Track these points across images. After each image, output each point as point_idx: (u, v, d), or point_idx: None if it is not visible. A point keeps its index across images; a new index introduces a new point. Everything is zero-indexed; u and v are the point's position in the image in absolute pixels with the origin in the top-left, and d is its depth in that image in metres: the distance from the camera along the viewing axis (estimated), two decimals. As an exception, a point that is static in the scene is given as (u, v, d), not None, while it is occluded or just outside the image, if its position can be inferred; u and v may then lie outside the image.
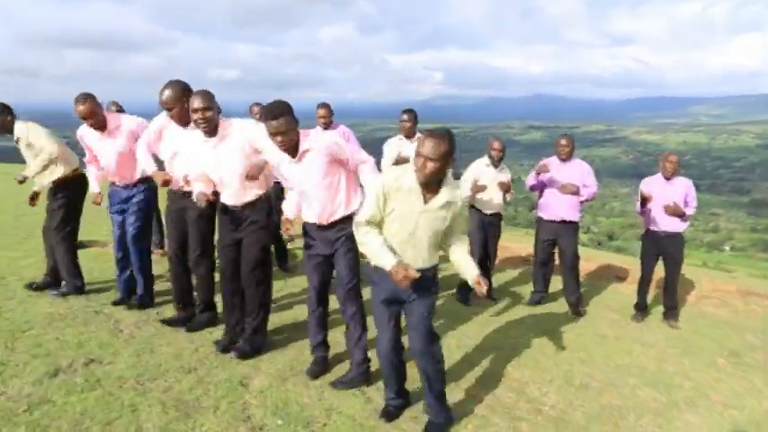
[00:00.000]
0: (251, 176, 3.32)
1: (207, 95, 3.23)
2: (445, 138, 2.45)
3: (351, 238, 3.12)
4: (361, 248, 2.74)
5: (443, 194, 2.60)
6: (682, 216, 4.89)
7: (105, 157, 4.15)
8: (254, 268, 3.47)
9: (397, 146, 5.10)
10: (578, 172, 5.07)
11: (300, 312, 4.41)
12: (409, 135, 5.05)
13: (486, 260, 5.40)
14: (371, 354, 3.25)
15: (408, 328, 2.80)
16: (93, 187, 4.46)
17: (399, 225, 2.63)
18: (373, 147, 5.71)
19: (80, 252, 4.61)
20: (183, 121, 3.55)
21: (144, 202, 4.20)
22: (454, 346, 4.10)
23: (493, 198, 5.19)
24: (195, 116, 3.21)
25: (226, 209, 3.49)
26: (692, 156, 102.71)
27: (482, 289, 2.65)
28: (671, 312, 5.21)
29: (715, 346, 4.75)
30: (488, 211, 5.26)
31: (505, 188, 5.20)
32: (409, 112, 5.08)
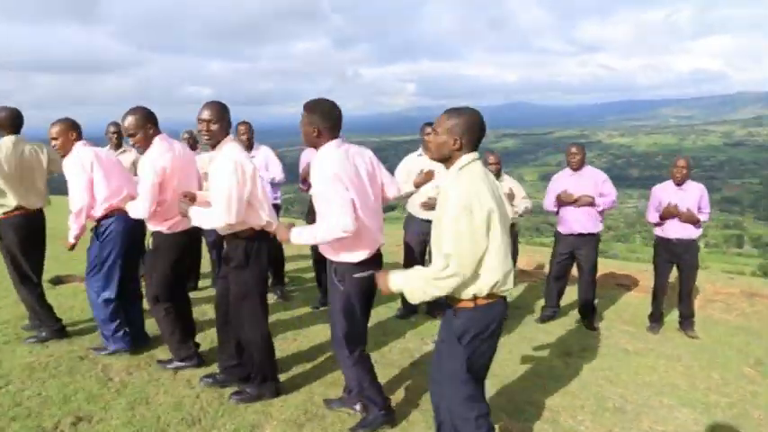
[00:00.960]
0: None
1: (214, 108, 3.01)
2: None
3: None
4: None
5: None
6: (696, 222, 4.71)
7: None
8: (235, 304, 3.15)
9: (415, 162, 4.63)
10: (592, 181, 4.86)
11: (305, 344, 4.09)
12: None
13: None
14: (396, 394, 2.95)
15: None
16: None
17: None
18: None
19: (58, 289, 4.23)
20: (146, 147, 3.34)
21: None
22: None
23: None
24: (199, 126, 3.02)
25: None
26: (662, 157, 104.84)
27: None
28: (687, 321, 5.02)
29: (739, 355, 4.56)
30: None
31: (511, 198, 5.02)
32: (432, 125, 4.76)
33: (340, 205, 2.53)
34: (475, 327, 2.20)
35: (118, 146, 5.49)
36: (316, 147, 2.75)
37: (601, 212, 4.88)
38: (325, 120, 2.69)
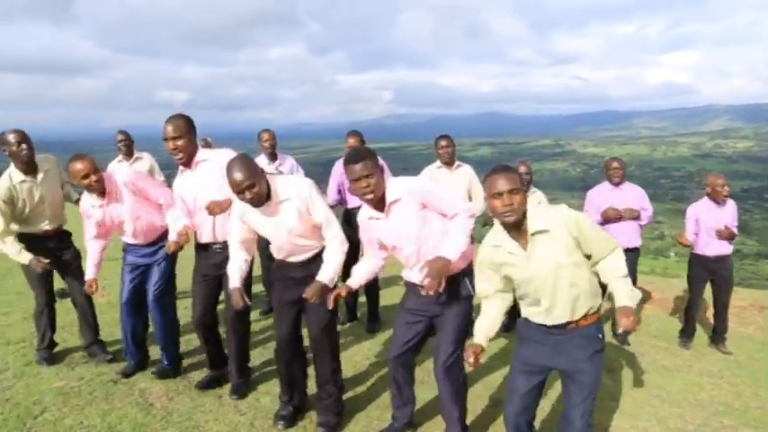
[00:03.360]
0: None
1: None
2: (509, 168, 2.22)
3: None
4: None
5: (531, 226, 2.24)
6: (732, 239, 4.69)
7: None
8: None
9: (436, 173, 4.63)
10: (632, 196, 4.80)
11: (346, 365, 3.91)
12: (449, 162, 4.64)
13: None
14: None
15: (565, 405, 2.38)
16: (90, 272, 3.63)
17: (528, 288, 2.30)
18: (326, 167, 5.34)
19: (64, 303, 4.01)
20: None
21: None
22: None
23: None
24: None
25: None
26: (635, 167, 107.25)
27: None
28: (720, 337, 4.98)
29: (776, 371, 4.54)
30: None
31: None
32: (446, 137, 4.68)
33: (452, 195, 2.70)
34: None
35: (129, 154, 5.25)
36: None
37: (641, 227, 4.82)
38: None
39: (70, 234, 3.88)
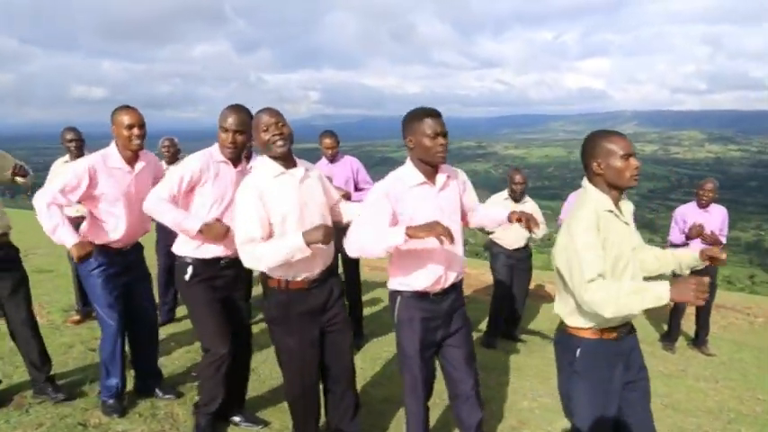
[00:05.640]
0: None
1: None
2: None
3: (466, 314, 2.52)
4: (609, 311, 1.84)
5: (625, 204, 2.10)
6: (719, 245, 4.75)
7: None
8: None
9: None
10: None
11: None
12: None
13: (514, 303, 4.91)
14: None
15: (631, 420, 2.11)
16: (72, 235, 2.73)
17: (618, 263, 2.00)
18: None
19: None
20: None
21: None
22: (535, 408, 3.49)
23: (517, 234, 4.68)
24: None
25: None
26: (553, 168, 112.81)
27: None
28: (703, 340, 5.06)
29: (765, 372, 4.63)
30: (512, 247, 4.76)
31: (527, 220, 4.76)
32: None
33: None
34: None
35: (80, 156, 4.49)
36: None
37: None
38: None
39: (17, 250, 3.17)
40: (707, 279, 1.77)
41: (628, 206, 2.11)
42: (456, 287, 2.45)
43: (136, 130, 2.80)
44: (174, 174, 2.66)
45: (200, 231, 2.59)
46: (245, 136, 2.65)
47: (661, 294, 1.76)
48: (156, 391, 3.22)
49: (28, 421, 2.86)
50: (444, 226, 2.07)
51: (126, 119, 2.78)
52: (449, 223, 2.17)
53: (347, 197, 4.06)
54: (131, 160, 2.89)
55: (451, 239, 2.08)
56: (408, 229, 2.09)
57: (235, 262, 2.62)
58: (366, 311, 4.91)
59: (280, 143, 2.28)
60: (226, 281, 2.77)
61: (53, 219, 2.62)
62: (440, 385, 2.54)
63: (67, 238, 2.62)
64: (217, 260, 2.72)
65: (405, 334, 2.40)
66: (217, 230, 2.60)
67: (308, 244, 2.18)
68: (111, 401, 2.99)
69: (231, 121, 2.61)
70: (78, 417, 2.94)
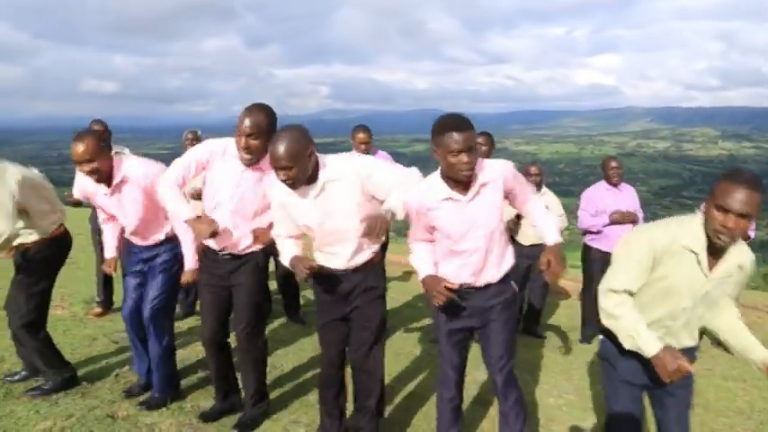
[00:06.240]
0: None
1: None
2: (758, 186, 1.76)
3: (509, 305, 2.44)
4: (606, 321, 2.01)
5: (733, 256, 1.93)
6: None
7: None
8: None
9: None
10: (631, 197, 4.70)
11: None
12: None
13: (533, 300, 4.87)
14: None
15: (662, 424, 2.11)
16: (109, 251, 3.21)
17: (665, 298, 1.95)
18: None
19: None
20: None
21: (171, 262, 3.04)
22: (562, 405, 3.45)
23: (535, 231, 4.63)
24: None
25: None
26: (564, 164, 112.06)
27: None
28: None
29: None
30: (528, 243, 4.70)
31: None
32: (486, 134, 4.28)
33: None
34: None
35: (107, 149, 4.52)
36: None
37: None
38: None
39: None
40: (689, 370, 1.84)
41: (739, 256, 1.92)
42: (490, 285, 2.40)
43: (85, 166, 2.72)
44: (186, 157, 2.69)
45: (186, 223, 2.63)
46: (261, 141, 2.50)
47: (647, 352, 1.88)
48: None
49: (58, 412, 2.87)
50: (439, 289, 2.21)
51: (72, 154, 2.70)
52: (478, 234, 2.26)
53: None
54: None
55: (442, 299, 2.23)
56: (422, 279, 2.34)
57: (237, 256, 2.73)
58: (388, 306, 4.88)
59: (289, 183, 2.28)
60: (225, 271, 2.77)
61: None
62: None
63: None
64: (215, 251, 2.76)
65: (436, 318, 2.50)
66: (198, 229, 2.55)
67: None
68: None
69: (244, 123, 2.50)
70: (106, 409, 2.94)
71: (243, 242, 2.70)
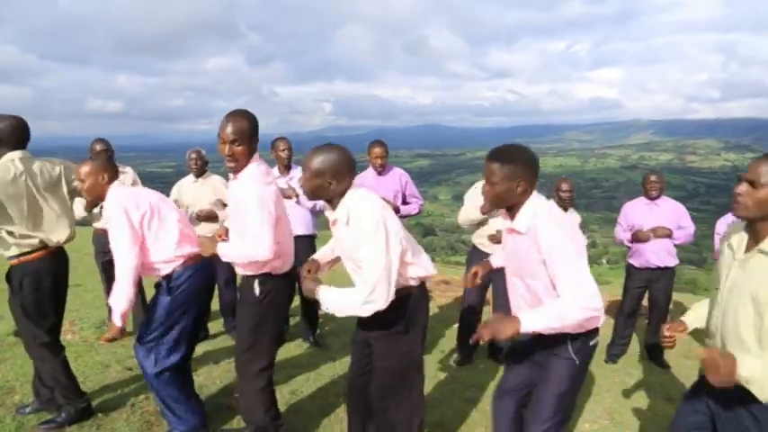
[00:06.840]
0: None
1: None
2: None
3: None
4: None
5: None
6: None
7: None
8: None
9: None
10: (670, 211, 4.52)
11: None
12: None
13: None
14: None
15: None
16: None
17: None
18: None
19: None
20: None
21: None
22: (596, 430, 3.31)
23: None
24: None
25: None
26: (568, 177, 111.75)
27: None
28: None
29: None
30: None
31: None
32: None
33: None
34: None
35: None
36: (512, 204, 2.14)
37: (676, 246, 4.55)
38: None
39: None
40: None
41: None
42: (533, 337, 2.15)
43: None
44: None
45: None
46: (244, 147, 2.41)
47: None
48: None
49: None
50: (490, 329, 1.90)
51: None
52: (512, 284, 2.24)
53: (396, 210, 3.92)
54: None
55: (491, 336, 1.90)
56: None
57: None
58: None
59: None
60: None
61: None
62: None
63: None
64: None
65: None
66: (204, 246, 2.64)
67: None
68: None
69: (226, 130, 2.40)
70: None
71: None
